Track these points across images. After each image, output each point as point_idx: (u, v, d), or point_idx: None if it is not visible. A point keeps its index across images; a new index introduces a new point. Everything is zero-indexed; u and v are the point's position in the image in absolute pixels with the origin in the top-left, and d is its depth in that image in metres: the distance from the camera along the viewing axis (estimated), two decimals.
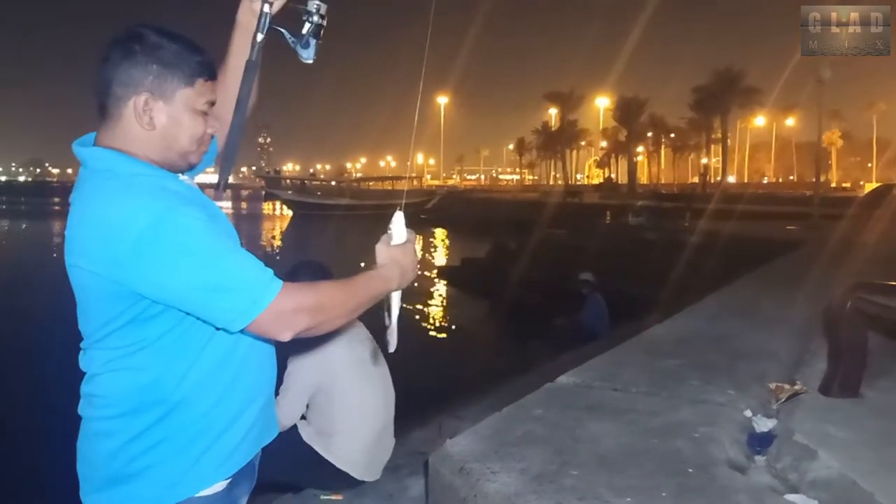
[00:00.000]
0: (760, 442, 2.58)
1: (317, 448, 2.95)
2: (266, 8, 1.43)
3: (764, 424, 2.71)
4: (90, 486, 1.40)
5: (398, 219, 1.47)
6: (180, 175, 1.45)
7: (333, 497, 2.99)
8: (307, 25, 1.47)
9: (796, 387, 2.97)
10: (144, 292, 1.26)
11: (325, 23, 1.47)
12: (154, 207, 1.23)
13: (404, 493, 3.01)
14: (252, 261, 1.27)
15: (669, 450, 2.52)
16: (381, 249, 1.45)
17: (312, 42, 1.48)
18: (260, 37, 1.44)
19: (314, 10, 1.46)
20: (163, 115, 1.34)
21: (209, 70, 1.39)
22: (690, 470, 2.36)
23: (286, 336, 1.26)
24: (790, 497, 2.19)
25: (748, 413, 2.85)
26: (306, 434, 2.96)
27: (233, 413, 1.42)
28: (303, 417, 3.01)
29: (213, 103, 1.41)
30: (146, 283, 1.24)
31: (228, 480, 1.42)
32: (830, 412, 2.82)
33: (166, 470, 1.35)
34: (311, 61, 1.48)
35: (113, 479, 1.37)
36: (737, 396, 3.14)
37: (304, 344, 2.78)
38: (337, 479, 2.97)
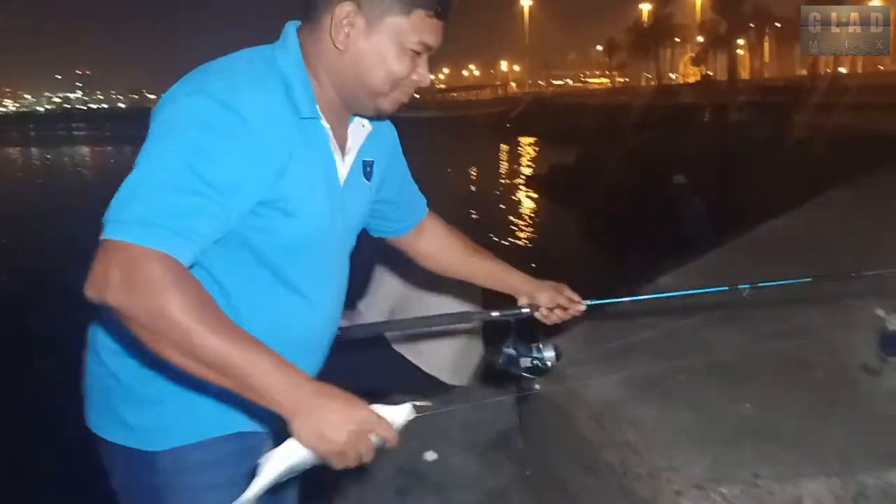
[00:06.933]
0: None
1: (405, 353, 2.88)
2: (538, 314, 1.47)
3: None
4: None
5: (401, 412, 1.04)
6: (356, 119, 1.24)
7: (423, 403, 2.92)
8: (524, 366, 1.43)
9: None
10: None
11: (529, 376, 1.43)
12: (211, 88, 1.05)
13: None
14: (179, 201, 0.96)
15: (794, 353, 2.28)
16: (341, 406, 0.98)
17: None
18: (511, 349, 1.44)
19: (533, 376, 1.43)
20: (361, 37, 1.11)
21: (437, 3, 1.11)
22: (819, 375, 2.12)
23: (88, 289, 0.93)
24: None
25: (880, 312, 2.54)
26: (393, 339, 2.89)
27: None
28: None
29: (428, 47, 1.15)
30: None
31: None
32: None
33: (172, 405, 1.20)
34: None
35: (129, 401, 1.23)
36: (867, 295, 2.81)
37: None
38: (426, 384, 2.90)
